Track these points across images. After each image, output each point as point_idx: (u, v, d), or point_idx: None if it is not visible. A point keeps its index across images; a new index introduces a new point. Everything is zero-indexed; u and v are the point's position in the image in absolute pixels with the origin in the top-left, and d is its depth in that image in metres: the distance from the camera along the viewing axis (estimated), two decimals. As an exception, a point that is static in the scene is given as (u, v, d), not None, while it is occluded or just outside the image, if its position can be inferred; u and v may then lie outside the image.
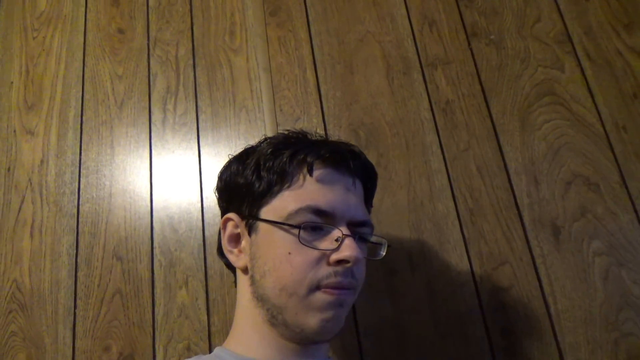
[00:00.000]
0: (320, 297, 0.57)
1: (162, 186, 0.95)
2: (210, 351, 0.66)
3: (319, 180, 0.61)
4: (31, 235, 0.94)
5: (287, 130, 0.69)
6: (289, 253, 0.58)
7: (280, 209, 0.60)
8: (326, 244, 0.59)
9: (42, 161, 1.00)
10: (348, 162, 0.63)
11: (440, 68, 0.97)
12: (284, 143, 0.65)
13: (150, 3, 1.10)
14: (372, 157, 0.92)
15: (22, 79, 1.08)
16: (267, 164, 0.63)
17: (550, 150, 0.89)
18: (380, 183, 0.89)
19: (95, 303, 0.88)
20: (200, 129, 0.99)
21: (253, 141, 0.73)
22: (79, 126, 1.02)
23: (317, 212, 0.59)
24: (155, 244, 0.91)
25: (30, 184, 0.98)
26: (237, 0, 1.07)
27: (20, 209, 0.96)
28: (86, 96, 1.04)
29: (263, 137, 0.70)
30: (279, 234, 0.60)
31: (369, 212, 0.69)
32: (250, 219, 0.63)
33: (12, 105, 1.05)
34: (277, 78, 1.00)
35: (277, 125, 0.96)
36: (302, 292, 0.57)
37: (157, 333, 0.85)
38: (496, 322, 0.80)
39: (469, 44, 0.98)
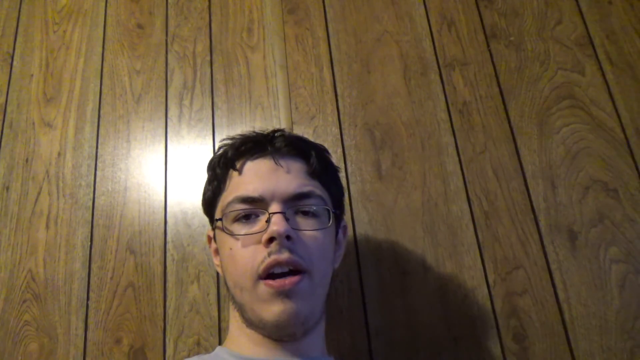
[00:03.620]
0: (264, 289, 0.57)
1: (176, 181, 0.96)
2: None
3: (243, 173, 0.64)
4: (47, 227, 0.95)
5: (226, 137, 0.71)
6: (230, 249, 0.61)
7: (219, 212, 0.64)
8: (259, 228, 0.60)
9: (59, 153, 1.01)
10: (265, 146, 0.65)
11: (458, 69, 0.96)
12: (220, 152, 0.69)
13: (170, -1, 1.11)
14: (386, 157, 0.91)
15: (42, 72, 1.09)
16: (210, 174, 0.69)
17: (568, 155, 0.88)
18: (394, 183, 0.90)
19: (108, 295, 0.89)
20: (215, 125, 0.99)
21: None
22: (97, 120, 1.03)
23: (246, 200, 0.61)
24: (169, 239, 0.91)
25: (47, 175, 0.99)
26: (256, -3, 1.08)
27: (36, 200, 0.97)
28: (104, 90, 1.05)
29: None
30: (221, 235, 0.63)
31: (331, 182, 0.68)
32: (214, 230, 0.67)
33: (31, 98, 1.07)
34: (294, 76, 1.00)
35: (293, 123, 0.96)
36: (248, 284, 0.58)
37: (168, 327, 0.85)
38: (509, 326, 0.79)
39: (488, 45, 0.97)
